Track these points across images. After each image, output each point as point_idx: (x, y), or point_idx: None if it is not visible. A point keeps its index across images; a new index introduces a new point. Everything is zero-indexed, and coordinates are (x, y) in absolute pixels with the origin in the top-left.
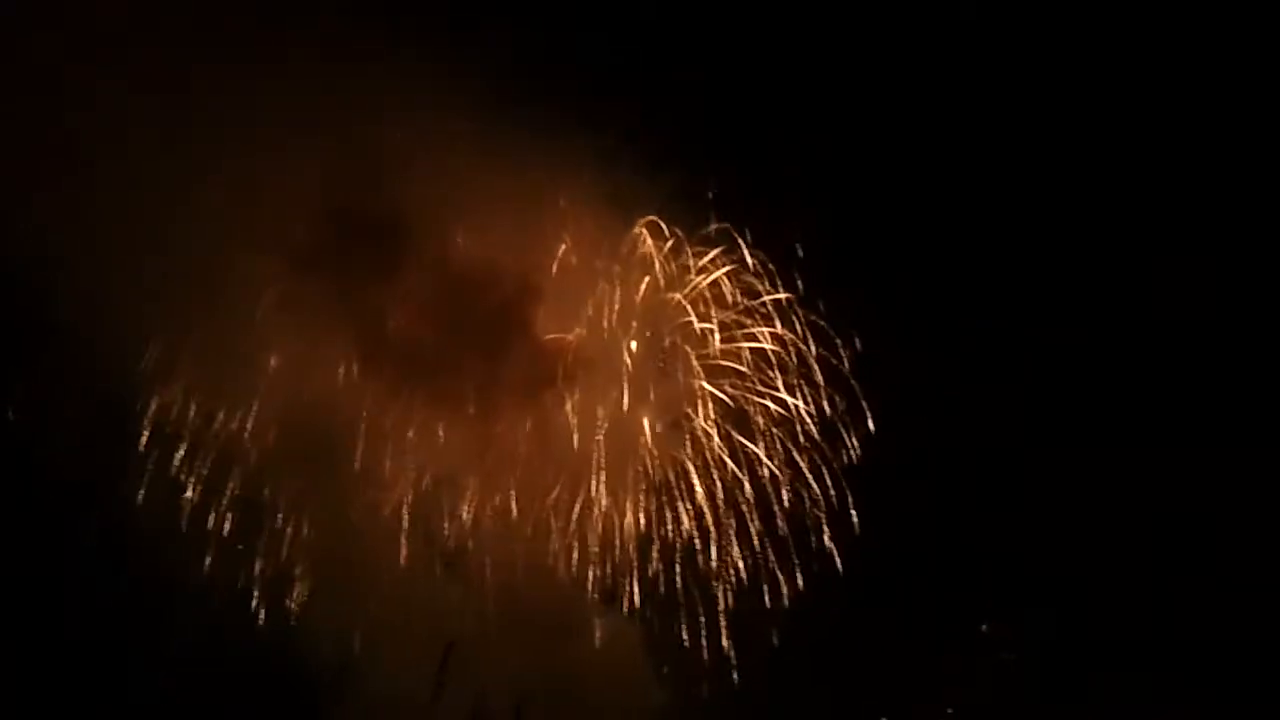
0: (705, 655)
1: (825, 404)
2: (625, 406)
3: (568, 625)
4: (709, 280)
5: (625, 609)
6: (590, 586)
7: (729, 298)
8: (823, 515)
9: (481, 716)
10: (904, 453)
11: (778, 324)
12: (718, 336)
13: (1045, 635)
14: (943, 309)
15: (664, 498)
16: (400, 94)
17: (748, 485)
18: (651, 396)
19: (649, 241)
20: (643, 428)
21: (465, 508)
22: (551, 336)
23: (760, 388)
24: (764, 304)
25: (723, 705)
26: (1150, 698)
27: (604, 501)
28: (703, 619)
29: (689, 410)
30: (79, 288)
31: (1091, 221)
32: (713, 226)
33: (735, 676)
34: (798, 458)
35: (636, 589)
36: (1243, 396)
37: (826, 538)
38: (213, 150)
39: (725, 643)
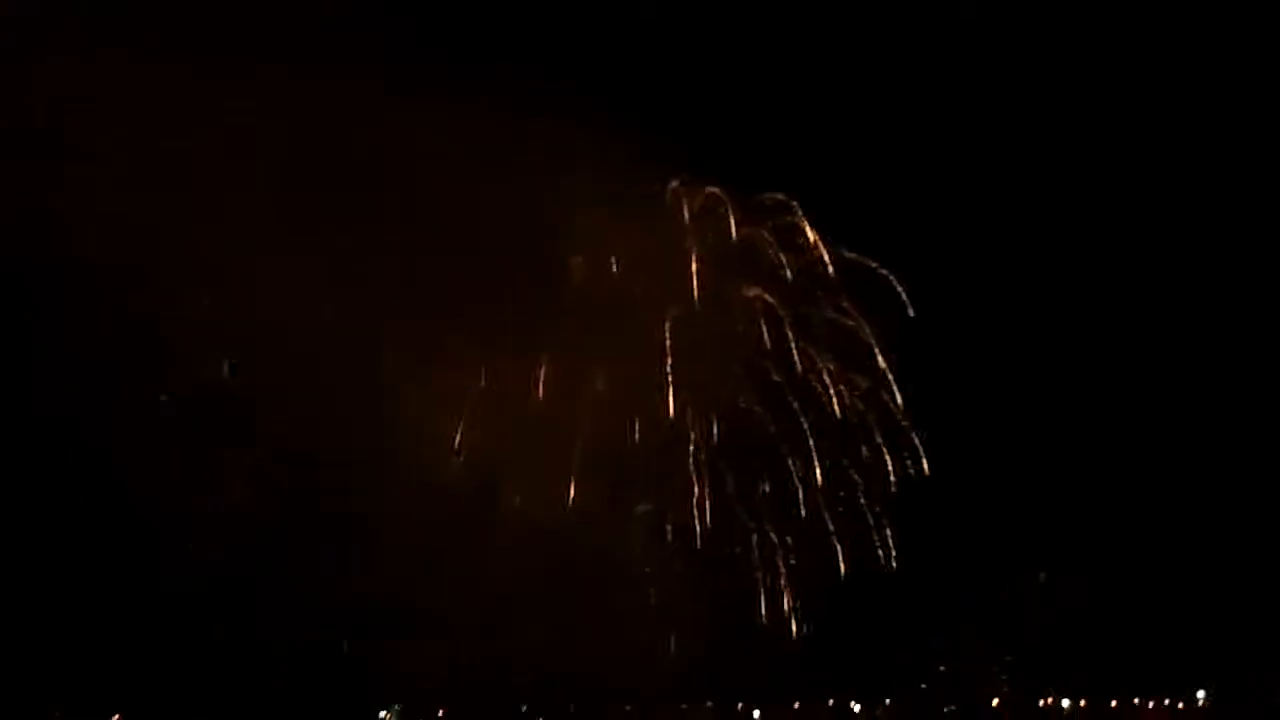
0: (763, 607)
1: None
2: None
3: (621, 577)
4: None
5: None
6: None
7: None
8: (889, 465)
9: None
10: (971, 404)
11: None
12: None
13: (1102, 585)
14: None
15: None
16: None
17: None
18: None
19: (685, 206)
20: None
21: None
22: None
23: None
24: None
25: (783, 654)
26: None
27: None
28: (760, 573)
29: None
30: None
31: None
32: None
33: (795, 628)
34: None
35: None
36: None
37: (891, 486)
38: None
39: (786, 599)
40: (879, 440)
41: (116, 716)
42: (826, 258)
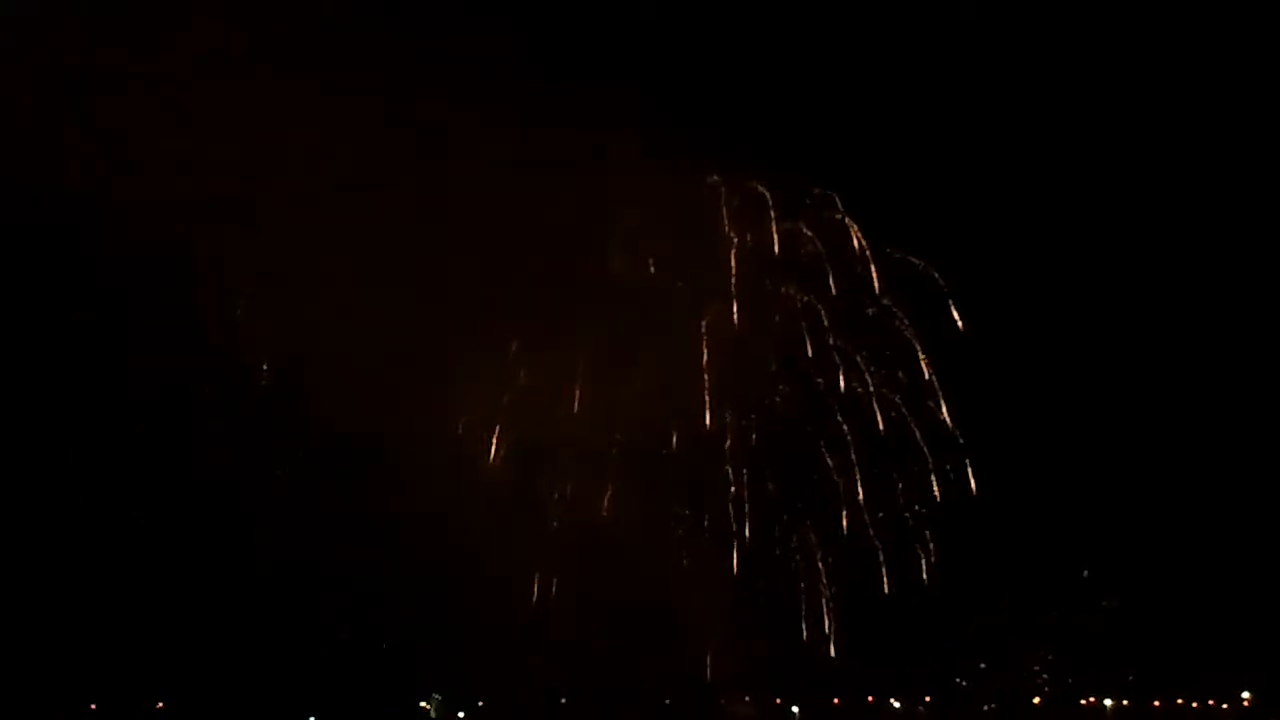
0: (804, 618)
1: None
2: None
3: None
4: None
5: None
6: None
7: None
8: (930, 466)
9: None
10: (1015, 405)
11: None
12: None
13: (1146, 583)
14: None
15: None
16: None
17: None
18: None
19: (724, 201)
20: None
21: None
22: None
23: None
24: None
25: (823, 656)
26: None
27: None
28: (800, 581)
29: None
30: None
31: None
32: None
33: (834, 639)
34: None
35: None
36: None
37: (934, 489)
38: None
39: (826, 612)
40: (921, 444)
41: (159, 705)
42: (869, 254)
